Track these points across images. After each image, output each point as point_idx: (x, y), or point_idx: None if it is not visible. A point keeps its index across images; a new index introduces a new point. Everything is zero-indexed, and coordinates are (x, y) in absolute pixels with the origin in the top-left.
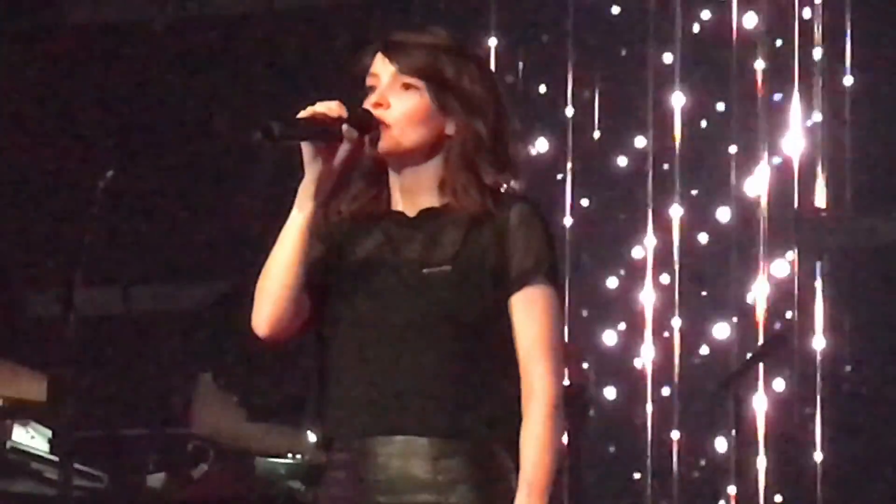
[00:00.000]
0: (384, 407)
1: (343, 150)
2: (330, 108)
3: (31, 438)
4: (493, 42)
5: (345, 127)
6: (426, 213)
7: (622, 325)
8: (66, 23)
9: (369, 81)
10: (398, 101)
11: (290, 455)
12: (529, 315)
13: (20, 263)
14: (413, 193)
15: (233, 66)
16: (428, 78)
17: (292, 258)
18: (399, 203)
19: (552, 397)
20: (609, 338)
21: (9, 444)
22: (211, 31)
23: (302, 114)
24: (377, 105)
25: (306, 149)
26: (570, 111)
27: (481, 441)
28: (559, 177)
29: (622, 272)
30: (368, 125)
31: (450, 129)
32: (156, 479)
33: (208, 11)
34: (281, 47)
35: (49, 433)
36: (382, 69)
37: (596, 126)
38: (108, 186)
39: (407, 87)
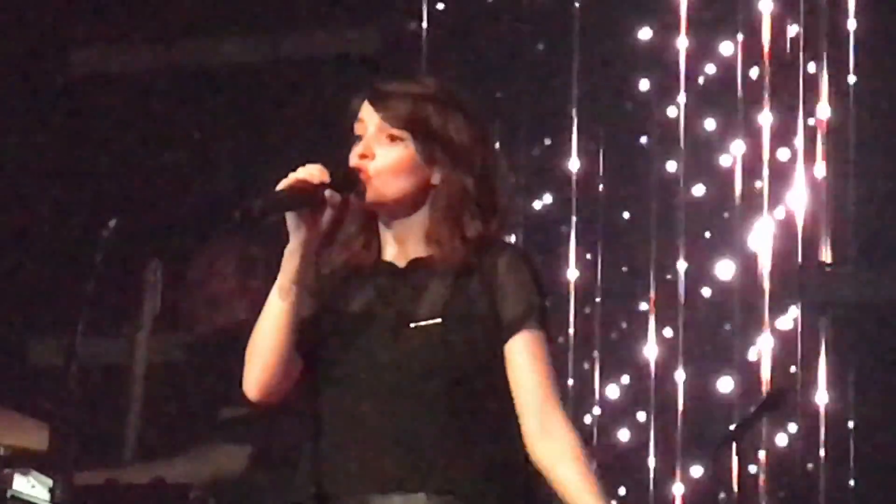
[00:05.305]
0: (378, 464)
1: (327, 214)
2: (311, 174)
3: (32, 487)
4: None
5: (328, 192)
6: (415, 264)
7: (626, 378)
8: (70, 73)
9: (356, 128)
10: (383, 153)
11: None
12: (529, 359)
13: (22, 311)
14: (403, 243)
15: (238, 115)
16: (413, 129)
17: (280, 323)
18: (389, 252)
19: (578, 438)
20: (612, 391)
21: (9, 493)
22: (217, 81)
23: (282, 183)
24: (363, 156)
25: (290, 218)
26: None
27: (476, 495)
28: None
29: (624, 325)
30: (353, 185)
31: (436, 179)
32: None
33: (215, 61)
34: (286, 96)
35: (50, 482)
36: (369, 117)
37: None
38: (111, 235)
39: (392, 138)
